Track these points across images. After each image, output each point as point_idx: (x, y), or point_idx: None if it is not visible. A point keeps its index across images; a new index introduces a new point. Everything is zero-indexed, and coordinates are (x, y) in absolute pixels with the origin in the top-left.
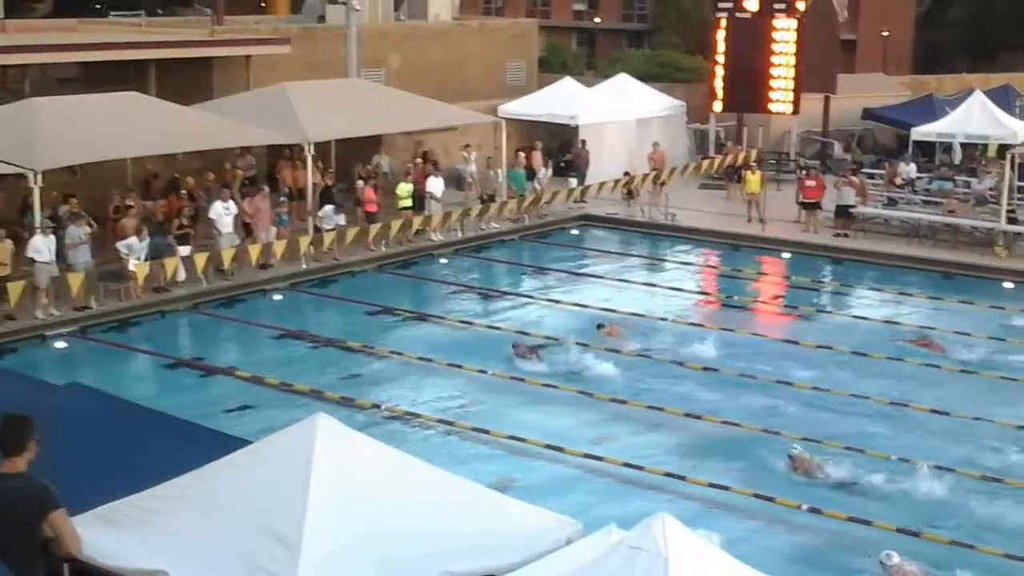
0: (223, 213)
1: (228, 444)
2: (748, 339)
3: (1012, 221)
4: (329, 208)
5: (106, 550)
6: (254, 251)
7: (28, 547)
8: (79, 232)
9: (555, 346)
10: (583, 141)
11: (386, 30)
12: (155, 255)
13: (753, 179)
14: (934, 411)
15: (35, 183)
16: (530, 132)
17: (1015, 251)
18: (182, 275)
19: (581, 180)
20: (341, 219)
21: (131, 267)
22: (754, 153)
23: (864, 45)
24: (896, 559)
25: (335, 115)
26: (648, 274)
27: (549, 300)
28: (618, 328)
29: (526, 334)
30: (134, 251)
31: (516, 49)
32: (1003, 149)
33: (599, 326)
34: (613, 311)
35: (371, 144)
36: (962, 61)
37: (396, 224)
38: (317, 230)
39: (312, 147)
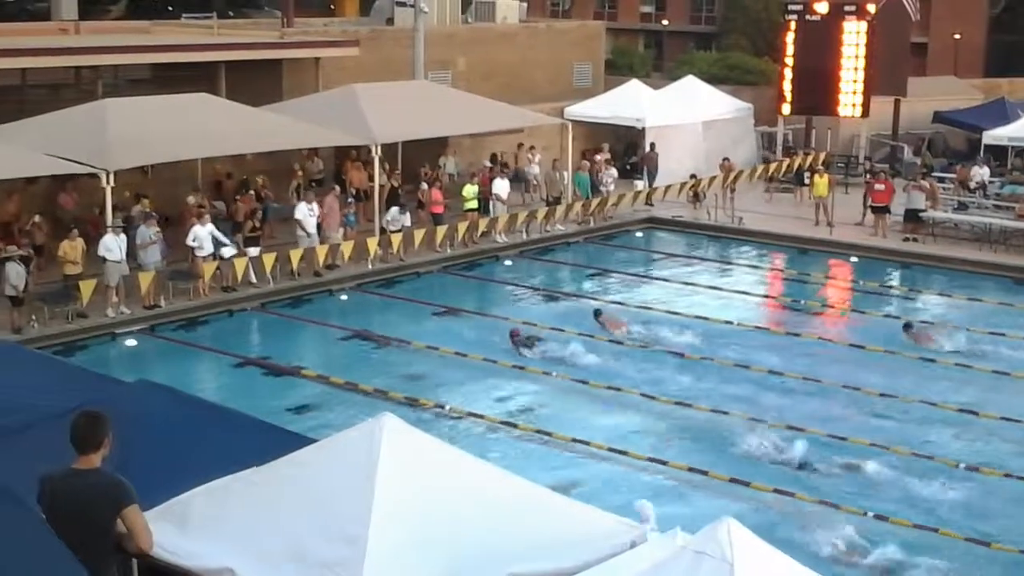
0: (308, 215)
1: (295, 442)
2: (814, 343)
3: None
4: (395, 209)
5: (172, 546)
6: (322, 251)
7: (103, 542)
8: (149, 232)
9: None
10: (652, 144)
11: (453, 32)
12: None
13: (821, 182)
14: (1004, 419)
15: (107, 183)
16: (596, 134)
17: None
18: (253, 277)
19: (651, 183)
20: (407, 220)
21: (204, 254)
22: (822, 156)
23: (935, 48)
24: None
25: (402, 117)
26: (714, 277)
27: (614, 303)
28: (617, 317)
29: (590, 336)
30: (201, 240)
31: (583, 51)
32: None
33: (597, 313)
34: (678, 314)
35: (437, 146)
36: None
37: (462, 226)
38: (383, 231)
39: (379, 149)
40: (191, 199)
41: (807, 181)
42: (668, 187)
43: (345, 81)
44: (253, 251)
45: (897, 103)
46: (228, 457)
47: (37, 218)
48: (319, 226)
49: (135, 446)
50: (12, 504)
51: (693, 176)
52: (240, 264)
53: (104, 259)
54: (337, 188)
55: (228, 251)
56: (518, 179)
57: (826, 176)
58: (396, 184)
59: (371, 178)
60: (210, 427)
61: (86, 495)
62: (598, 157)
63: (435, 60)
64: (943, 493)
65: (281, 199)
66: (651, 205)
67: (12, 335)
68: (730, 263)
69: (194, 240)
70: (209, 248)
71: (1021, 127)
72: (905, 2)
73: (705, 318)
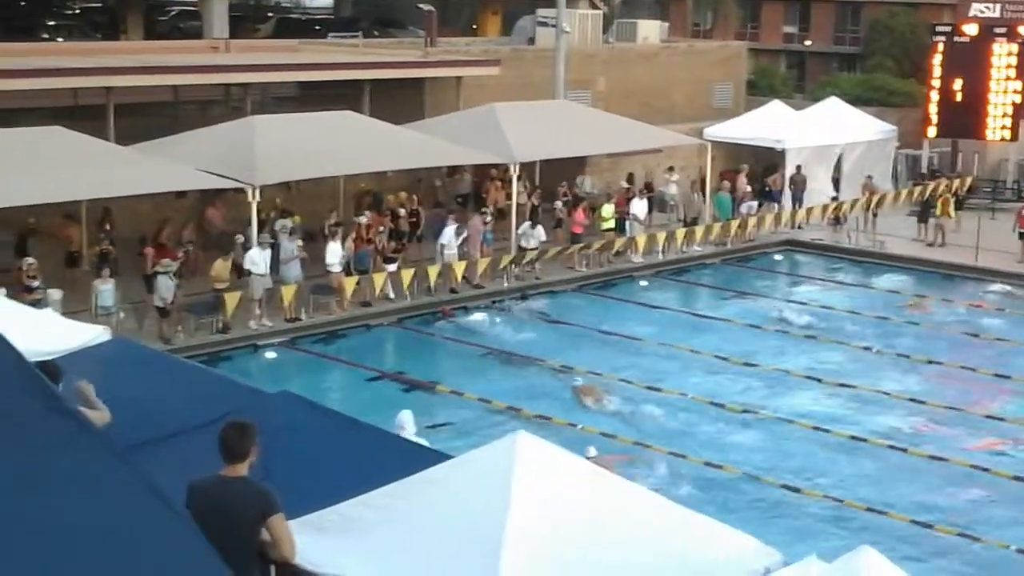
0: (454, 238)
1: (431, 458)
2: (956, 371)
3: None
4: (527, 224)
5: (313, 557)
6: (460, 268)
7: (247, 549)
8: (292, 246)
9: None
10: (799, 166)
11: (594, 52)
12: (362, 270)
13: (947, 204)
14: None
15: (253, 198)
16: (736, 155)
17: None
18: (391, 292)
19: (799, 204)
20: (541, 235)
21: (335, 270)
22: (968, 181)
23: None
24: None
25: (542, 136)
26: (854, 301)
27: (749, 325)
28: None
29: (724, 359)
30: (335, 255)
31: (724, 71)
32: None
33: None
34: (815, 337)
35: (576, 165)
36: None
37: (597, 244)
38: (521, 249)
39: (518, 167)
40: (363, 219)
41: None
42: (810, 209)
43: (486, 100)
44: (391, 267)
45: None
46: (365, 471)
47: (187, 233)
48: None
49: (277, 457)
50: (162, 504)
51: (835, 198)
52: (379, 279)
53: (249, 272)
54: (486, 212)
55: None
56: (656, 199)
57: (951, 199)
58: (535, 203)
59: (509, 196)
60: (350, 441)
61: (233, 503)
62: (740, 177)
63: (575, 80)
64: None
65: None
66: (800, 228)
67: (160, 344)
68: (870, 287)
69: (331, 255)
70: (345, 263)
71: None
72: None
73: (843, 342)
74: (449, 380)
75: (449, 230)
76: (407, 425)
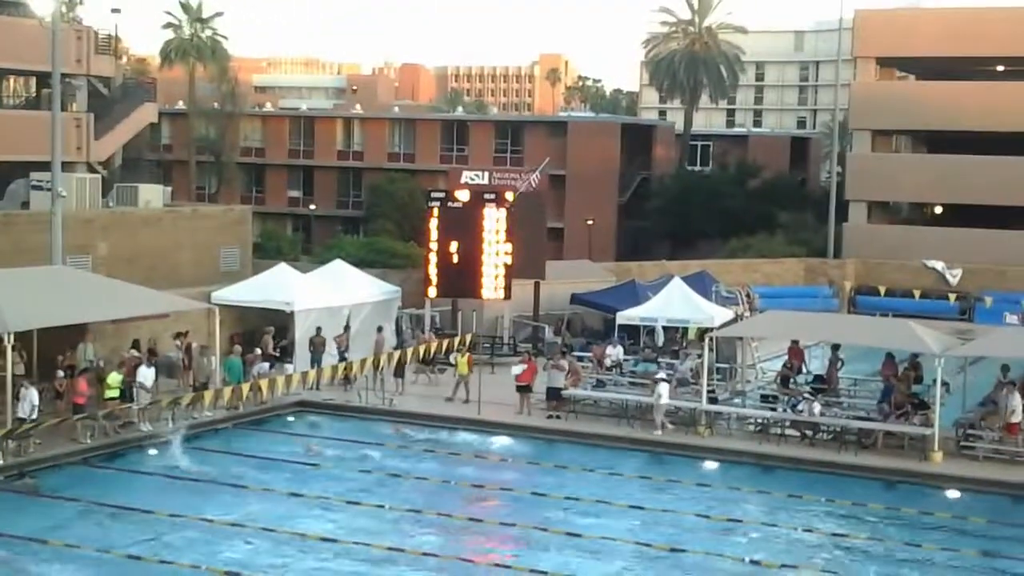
0: None
1: None
2: (465, 523)
3: (712, 401)
4: (30, 396)
5: None
6: None
7: None
8: None
9: None
10: (319, 328)
11: (93, 217)
12: None
13: (463, 361)
14: None
15: None
16: (245, 318)
17: (716, 430)
18: None
19: (318, 366)
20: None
21: None
22: (468, 337)
23: (571, 233)
24: None
25: (37, 303)
26: (368, 460)
27: (264, 489)
28: None
29: (239, 525)
30: None
31: (230, 235)
32: (703, 332)
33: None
34: (328, 498)
35: (77, 333)
36: (662, 248)
37: (101, 413)
38: (18, 420)
39: (12, 337)
40: None
41: (453, 361)
42: (320, 370)
43: None
44: None
45: (537, 285)
46: None
47: None
48: None
49: None
50: None
51: (343, 359)
52: None
53: None
54: None
55: None
56: (164, 365)
57: (467, 355)
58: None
59: (3, 367)
60: None
61: None
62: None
63: (74, 244)
64: None
65: None
66: (315, 388)
67: None
68: (380, 444)
69: None
70: None
71: (651, 308)
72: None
73: (357, 503)
74: None
75: None
76: None
